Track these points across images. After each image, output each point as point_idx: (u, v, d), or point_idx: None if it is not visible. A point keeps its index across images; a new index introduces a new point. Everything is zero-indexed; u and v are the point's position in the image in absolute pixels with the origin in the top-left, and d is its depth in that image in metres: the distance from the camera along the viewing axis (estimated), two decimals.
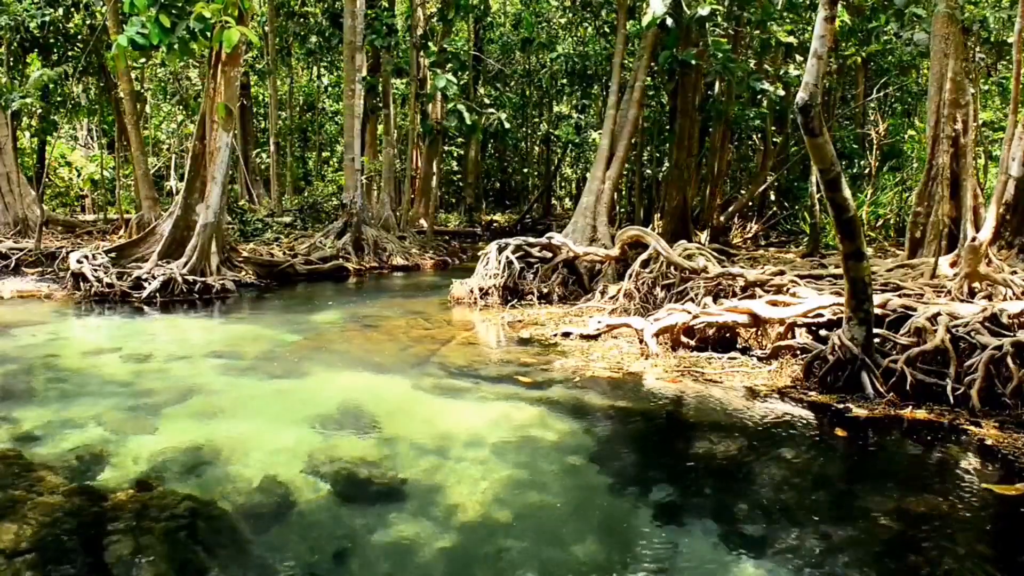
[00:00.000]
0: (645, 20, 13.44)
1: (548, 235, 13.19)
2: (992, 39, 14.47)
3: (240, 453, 5.38)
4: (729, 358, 8.24)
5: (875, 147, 16.55)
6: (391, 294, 13.91)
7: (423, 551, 4.08)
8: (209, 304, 12.49)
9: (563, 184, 38.28)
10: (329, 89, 30.52)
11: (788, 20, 16.11)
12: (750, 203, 21.88)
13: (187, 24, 11.45)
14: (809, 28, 16.87)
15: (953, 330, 6.91)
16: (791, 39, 15.64)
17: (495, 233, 25.40)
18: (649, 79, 17.56)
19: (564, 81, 26.08)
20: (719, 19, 14.69)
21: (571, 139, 32.15)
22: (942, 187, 11.25)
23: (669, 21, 13.49)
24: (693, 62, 15.55)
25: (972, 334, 6.83)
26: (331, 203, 23.50)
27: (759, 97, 16.78)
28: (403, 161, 24.45)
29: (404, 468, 5.14)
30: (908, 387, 6.58)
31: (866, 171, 19.27)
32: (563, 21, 26.05)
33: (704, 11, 12.56)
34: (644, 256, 11.01)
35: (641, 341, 8.64)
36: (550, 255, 12.74)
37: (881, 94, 20.31)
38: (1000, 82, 17.13)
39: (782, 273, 9.95)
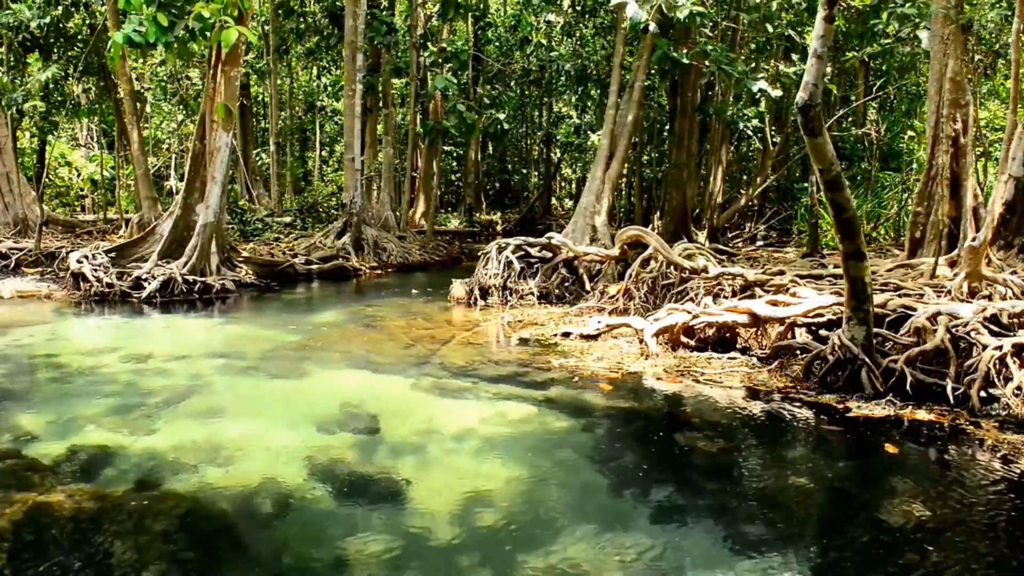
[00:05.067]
0: (627, 25, 13.42)
1: (548, 235, 13.18)
2: (987, 43, 14.46)
3: (240, 453, 5.38)
4: (729, 358, 8.24)
5: (875, 147, 16.56)
6: (391, 294, 13.91)
7: (423, 550, 4.08)
8: (209, 304, 12.49)
9: (563, 184, 38.27)
10: (329, 89, 30.48)
11: (786, 17, 16.10)
12: (750, 203, 21.88)
13: (186, 23, 11.46)
14: (805, 27, 16.88)
15: (953, 330, 6.92)
16: (790, 34, 15.59)
17: (495, 233, 25.39)
18: (649, 79, 17.54)
19: (562, 82, 26.07)
20: (708, 20, 14.66)
21: (571, 139, 32.14)
22: (942, 187, 11.25)
23: (652, 26, 13.42)
24: (688, 62, 15.53)
25: (972, 334, 6.83)
26: (331, 203, 23.49)
27: (758, 97, 16.78)
28: (403, 161, 24.45)
29: (404, 468, 5.14)
30: (908, 387, 6.58)
31: (866, 171, 19.28)
32: (562, 21, 26.04)
33: (683, 15, 12.51)
34: (644, 256, 11.01)
35: (641, 341, 8.64)
36: (550, 255, 12.73)
37: (881, 94, 20.32)
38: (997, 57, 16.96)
39: (782, 273, 9.95)
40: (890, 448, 5.67)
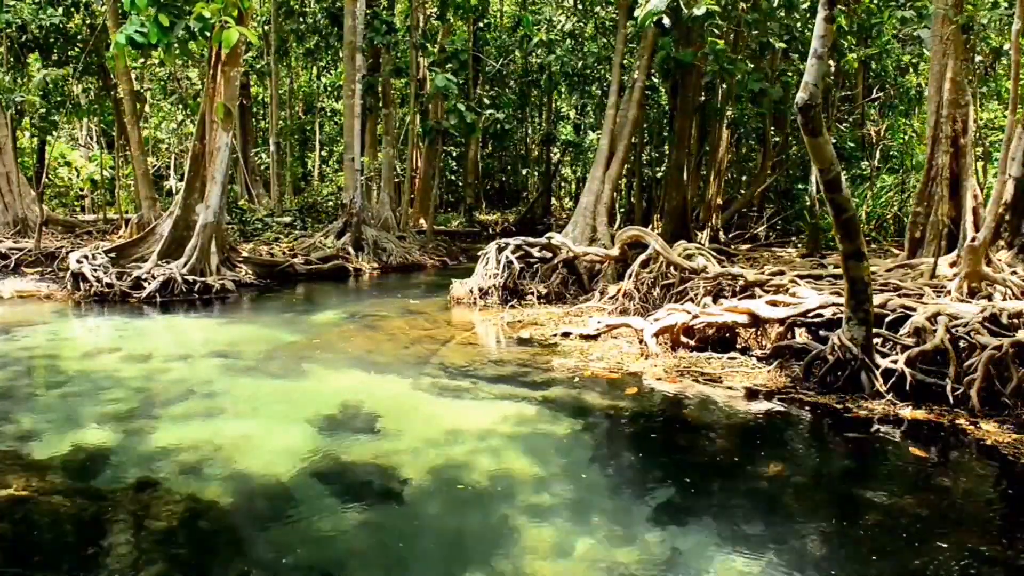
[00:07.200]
0: (641, 13, 13.35)
1: (548, 235, 13.18)
2: (989, 42, 14.46)
3: (240, 453, 5.38)
4: (729, 358, 8.24)
5: (875, 147, 16.56)
6: (391, 294, 13.91)
7: (423, 550, 4.09)
8: (209, 304, 12.49)
9: (563, 184, 38.26)
10: (329, 89, 30.50)
11: (782, 22, 16.11)
12: (750, 203, 21.88)
13: (186, 23, 11.46)
14: (804, 28, 16.89)
15: (953, 330, 6.91)
16: (782, 44, 15.66)
17: (495, 233, 25.38)
18: (649, 79, 17.53)
19: (563, 84, 26.09)
20: (717, 19, 14.66)
21: (570, 139, 32.13)
22: (942, 187, 11.25)
23: (666, 20, 13.43)
24: (692, 62, 15.53)
25: (972, 334, 6.83)
26: (331, 203, 23.49)
27: (759, 97, 16.76)
28: (403, 161, 24.44)
29: (404, 468, 5.14)
30: (908, 387, 6.58)
31: (866, 171, 19.28)
32: (562, 19, 26.06)
33: (700, 11, 12.49)
34: (644, 256, 11.01)
35: (641, 341, 8.64)
36: (550, 255, 12.73)
37: (881, 95, 20.32)
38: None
39: (782, 273, 9.95)
40: (916, 451, 5.64)
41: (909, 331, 7.20)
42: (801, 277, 9.90)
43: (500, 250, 12.57)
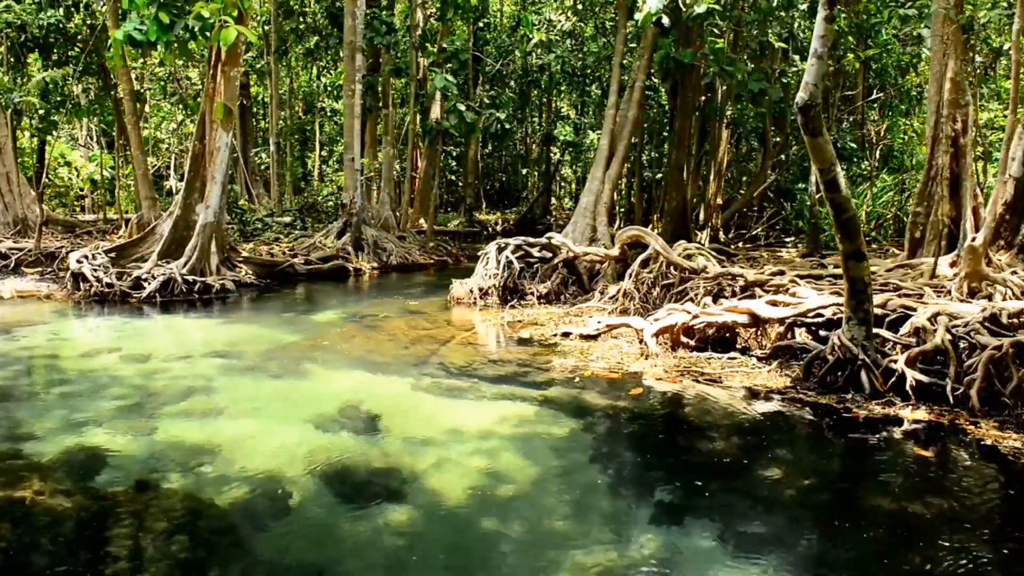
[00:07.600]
0: (640, 15, 13.34)
1: (548, 235, 13.19)
2: (989, 42, 14.47)
3: (240, 453, 5.38)
4: (729, 358, 8.23)
5: (875, 147, 16.55)
6: (391, 294, 13.91)
7: (422, 551, 4.08)
8: (209, 304, 12.49)
9: (563, 184, 38.26)
10: (329, 89, 30.51)
11: (782, 21, 16.12)
12: (750, 203, 21.88)
13: (186, 23, 11.47)
14: (803, 28, 16.90)
15: (953, 330, 6.92)
16: (782, 44, 15.67)
17: (495, 233, 25.36)
18: (649, 79, 17.54)
19: (563, 84, 26.09)
20: (716, 19, 14.66)
21: (570, 139, 32.15)
22: (942, 187, 11.25)
23: (666, 20, 13.43)
24: (691, 63, 15.53)
25: (972, 334, 6.83)
26: (331, 203, 23.49)
27: (759, 97, 16.76)
28: (403, 161, 24.44)
29: (404, 468, 5.14)
30: (908, 387, 6.58)
31: (866, 171, 19.28)
32: (562, 19, 26.04)
33: (701, 9, 12.48)
34: (644, 256, 11.01)
35: (641, 341, 8.64)
36: (550, 255, 12.73)
37: (881, 96, 20.32)
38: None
39: (782, 273, 9.95)
40: (917, 451, 5.63)
41: (909, 331, 7.20)
42: (801, 277, 9.90)
43: (500, 250, 12.58)
